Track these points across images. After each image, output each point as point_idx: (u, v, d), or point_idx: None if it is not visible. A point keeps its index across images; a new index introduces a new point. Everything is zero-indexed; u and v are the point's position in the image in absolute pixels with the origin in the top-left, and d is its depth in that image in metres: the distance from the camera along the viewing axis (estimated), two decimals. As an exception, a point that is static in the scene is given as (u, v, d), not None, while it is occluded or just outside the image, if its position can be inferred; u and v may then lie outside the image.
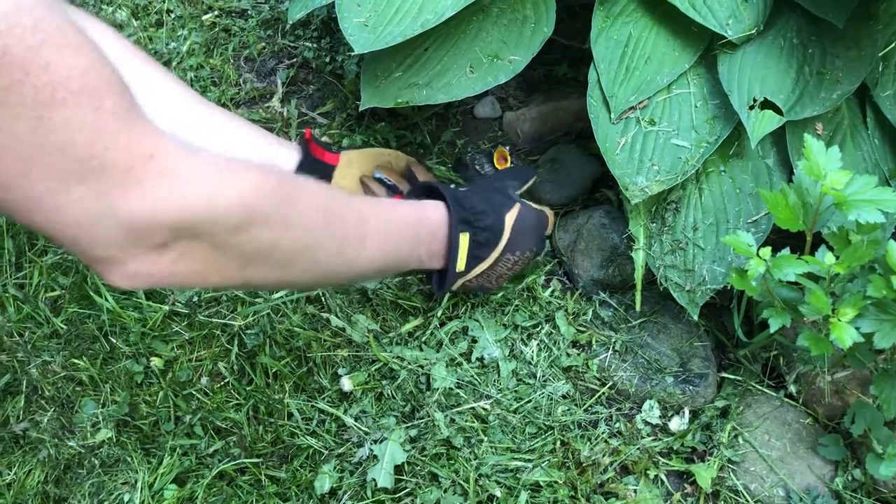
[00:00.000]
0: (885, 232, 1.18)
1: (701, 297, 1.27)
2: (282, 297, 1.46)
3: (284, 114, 1.84)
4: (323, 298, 1.47)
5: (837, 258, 1.07)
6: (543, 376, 1.39)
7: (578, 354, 1.42)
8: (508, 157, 1.63)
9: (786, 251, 1.08)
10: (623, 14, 1.38)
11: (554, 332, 1.44)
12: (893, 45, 1.29)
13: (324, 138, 1.77)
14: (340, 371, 1.38)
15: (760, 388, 1.37)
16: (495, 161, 1.64)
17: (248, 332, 1.41)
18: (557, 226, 1.61)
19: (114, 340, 1.41)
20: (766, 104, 1.23)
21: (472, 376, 1.37)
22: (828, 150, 1.06)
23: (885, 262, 1.04)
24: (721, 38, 1.29)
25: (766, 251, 1.06)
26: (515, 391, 1.37)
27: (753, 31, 1.27)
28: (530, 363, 1.41)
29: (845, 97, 1.23)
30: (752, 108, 1.23)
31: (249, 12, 2.11)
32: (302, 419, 1.34)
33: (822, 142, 1.06)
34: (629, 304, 1.46)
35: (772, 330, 1.10)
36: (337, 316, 1.43)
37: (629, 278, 1.47)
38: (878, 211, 1.02)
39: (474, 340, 1.42)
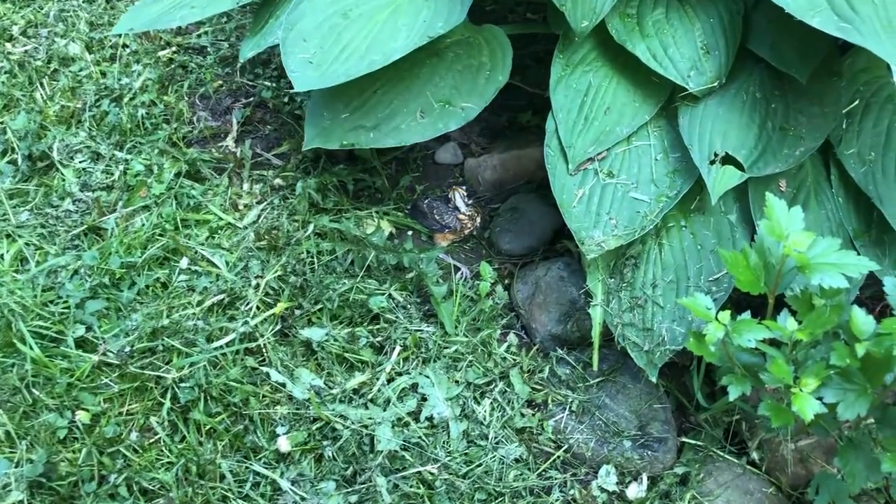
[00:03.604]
0: (848, 295, 1.13)
1: (660, 359, 1.21)
2: (220, 347, 1.37)
3: (238, 154, 1.77)
4: (264, 350, 1.39)
5: (800, 323, 1.01)
6: (496, 438, 1.32)
7: (533, 415, 1.35)
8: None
9: (746, 315, 1.03)
10: (583, 63, 1.34)
11: (508, 390, 1.37)
12: (857, 102, 1.26)
13: (277, 180, 1.70)
14: (279, 430, 1.29)
15: (722, 454, 1.31)
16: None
17: (183, 385, 1.33)
18: (516, 277, 1.56)
19: (37, 392, 1.31)
20: (728, 159, 1.18)
21: (419, 437, 1.29)
22: (790, 210, 1.02)
23: (849, 329, 0.98)
24: (682, 90, 1.25)
25: (726, 315, 1.00)
26: (465, 454, 1.29)
27: (715, 84, 1.23)
28: (482, 423, 1.33)
29: (809, 154, 1.19)
30: (713, 162, 1.18)
31: (208, 49, 2.06)
32: (235, 481, 1.25)
33: (784, 200, 1.01)
34: (587, 361, 1.39)
35: (731, 398, 1.04)
36: (278, 370, 1.35)
37: (588, 334, 1.41)
38: (841, 275, 0.96)
39: (424, 398, 1.35)
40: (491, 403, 1.35)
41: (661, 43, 1.26)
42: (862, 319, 0.98)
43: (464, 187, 1.57)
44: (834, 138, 1.24)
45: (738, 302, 1.16)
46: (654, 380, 1.22)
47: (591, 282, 1.27)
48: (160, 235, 1.57)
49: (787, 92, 1.25)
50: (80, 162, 1.73)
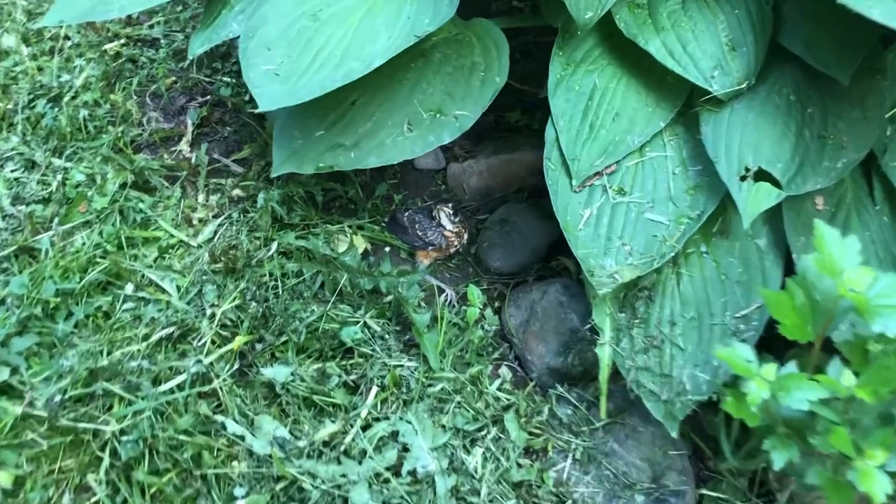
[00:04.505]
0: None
1: (681, 410, 1.03)
2: (169, 391, 1.18)
3: (193, 160, 1.58)
4: (220, 394, 1.20)
5: (856, 375, 0.84)
6: (489, 494, 1.14)
7: (531, 465, 1.18)
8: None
9: (792, 367, 0.86)
10: (586, 61, 1.16)
11: (503, 437, 1.20)
12: (904, 104, 1.09)
13: (236, 191, 1.51)
14: (237, 491, 1.10)
15: (747, 508, 1.14)
16: None
17: (125, 438, 1.13)
18: (508, 300, 1.38)
19: (-51, 451, 1.11)
20: (761, 174, 1.01)
21: (401, 496, 1.11)
22: (845, 239, 0.85)
23: (919, 385, 0.82)
24: (704, 93, 1.07)
25: (770, 370, 0.83)
26: (454, 514, 1.12)
27: (743, 86, 1.06)
28: (474, 477, 1.15)
29: (852, 166, 1.02)
30: (743, 178, 1.01)
31: (160, 41, 1.85)
32: (185, 555, 1.06)
33: (837, 230, 0.84)
34: (592, 400, 1.22)
35: (776, 466, 0.87)
36: (235, 419, 1.16)
37: (591, 368, 1.24)
38: (911, 322, 0.80)
39: (406, 448, 1.16)
40: (483, 453, 1.18)
41: (679, 38, 1.08)
42: (934, 373, 0.82)
43: (449, 204, 1.39)
44: (877, 147, 1.08)
45: (763, 343, 1.00)
46: (674, 434, 1.05)
47: (597, 316, 1.09)
48: (102, 257, 1.37)
49: (824, 93, 1.08)
50: (12, 171, 1.53)
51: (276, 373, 1.22)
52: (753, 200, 0.98)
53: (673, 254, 1.03)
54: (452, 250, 1.44)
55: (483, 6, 1.80)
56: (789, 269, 1.05)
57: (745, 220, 0.98)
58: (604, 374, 1.09)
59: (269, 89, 1.05)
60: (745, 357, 0.84)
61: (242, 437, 1.14)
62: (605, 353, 1.08)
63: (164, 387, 1.19)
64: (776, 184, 1.00)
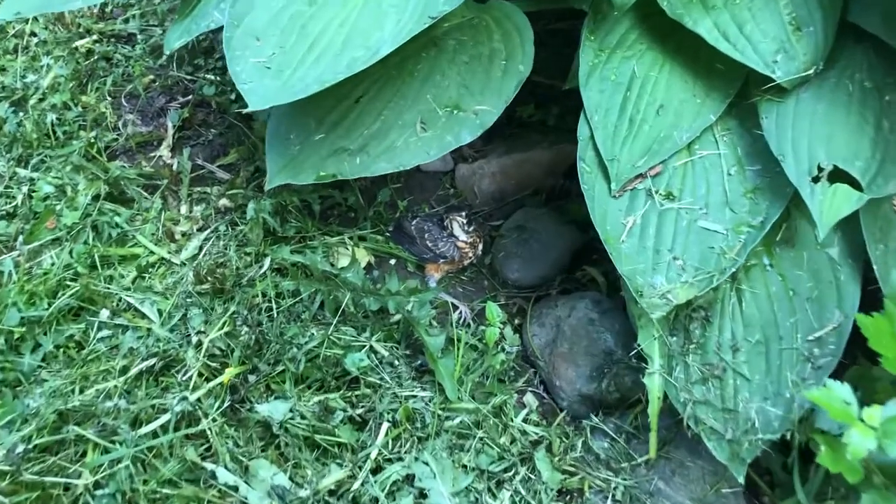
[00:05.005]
0: None
1: (749, 452, 0.89)
2: (150, 434, 1.03)
3: (174, 166, 1.43)
4: (209, 434, 1.04)
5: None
6: (521, 545, 1.00)
7: (567, 509, 1.03)
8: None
9: (894, 408, 0.71)
10: (622, 46, 1.01)
11: (533, 477, 1.05)
12: None
13: (223, 201, 1.35)
14: (231, 553, 0.96)
15: (815, 554, 1.00)
16: None
17: (100, 492, 0.98)
18: (530, 317, 1.23)
19: None
20: (836, 174, 0.86)
21: (420, 552, 0.97)
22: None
23: None
24: (763, 81, 0.93)
25: (874, 413, 0.69)
26: (482, 571, 0.97)
27: (811, 71, 0.91)
28: (502, 526, 1.01)
29: (938, 163, 0.88)
30: (816, 179, 0.86)
31: (137, 36, 1.70)
32: None
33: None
34: (631, 431, 1.08)
35: (879, 527, 0.72)
36: (227, 466, 1.01)
37: (629, 394, 1.10)
38: None
39: (423, 494, 1.02)
40: (511, 497, 1.03)
41: (734, 17, 0.93)
42: None
43: (462, 212, 1.25)
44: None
45: (841, 370, 0.86)
46: (741, 480, 0.90)
47: (643, 339, 0.95)
48: (73, 279, 1.22)
49: (899, 78, 0.94)
50: (-29, 183, 1.37)
51: (272, 409, 1.07)
52: (830, 206, 0.84)
53: (734, 268, 0.88)
54: (466, 262, 1.29)
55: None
56: (867, 282, 0.90)
57: (822, 229, 0.84)
58: (654, 407, 0.94)
59: (259, 85, 0.90)
60: (842, 398, 0.70)
61: (236, 488, 0.99)
62: (654, 384, 0.94)
63: (144, 429, 1.04)
64: (854, 185, 0.85)
